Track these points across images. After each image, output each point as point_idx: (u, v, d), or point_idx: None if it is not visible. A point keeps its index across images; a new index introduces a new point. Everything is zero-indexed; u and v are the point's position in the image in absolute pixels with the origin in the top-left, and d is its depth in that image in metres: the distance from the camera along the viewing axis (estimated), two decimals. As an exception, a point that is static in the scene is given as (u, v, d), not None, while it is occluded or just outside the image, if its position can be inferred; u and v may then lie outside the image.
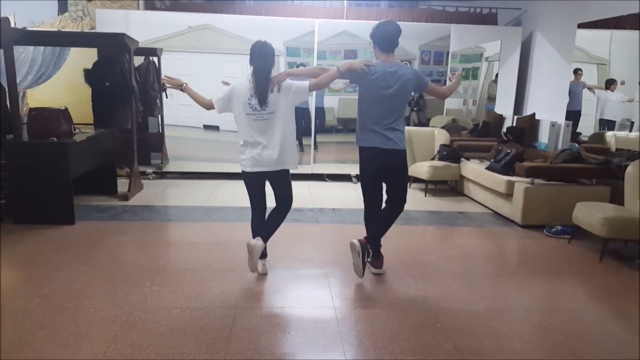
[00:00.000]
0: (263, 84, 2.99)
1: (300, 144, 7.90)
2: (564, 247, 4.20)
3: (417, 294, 3.16)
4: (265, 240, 3.25)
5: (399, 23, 3.18)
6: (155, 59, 6.38)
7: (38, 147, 4.24)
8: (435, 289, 3.24)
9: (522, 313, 2.93)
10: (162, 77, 3.32)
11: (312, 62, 6.59)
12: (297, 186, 6.20)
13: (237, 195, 5.55)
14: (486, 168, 5.33)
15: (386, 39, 3.09)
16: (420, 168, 5.89)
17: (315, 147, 7.41)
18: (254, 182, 3.25)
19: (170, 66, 6.48)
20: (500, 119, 6.81)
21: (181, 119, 6.79)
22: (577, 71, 5.56)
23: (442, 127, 6.78)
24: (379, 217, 3.38)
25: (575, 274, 3.61)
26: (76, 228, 4.25)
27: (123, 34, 5.08)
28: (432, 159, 6.14)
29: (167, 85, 3.29)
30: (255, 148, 3.09)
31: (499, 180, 4.95)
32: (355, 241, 3.20)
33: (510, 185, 4.80)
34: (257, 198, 3.34)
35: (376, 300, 3.05)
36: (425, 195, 5.90)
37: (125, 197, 5.24)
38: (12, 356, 2.30)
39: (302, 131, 7.48)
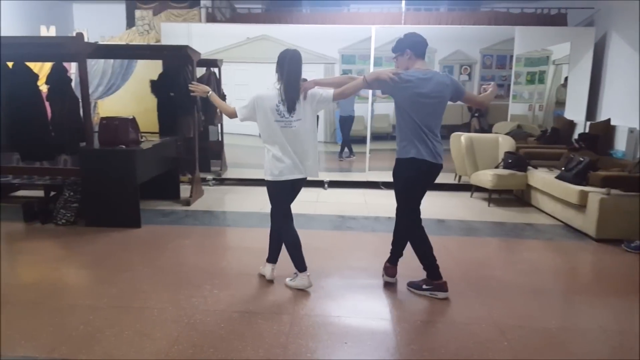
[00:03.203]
0: (293, 91, 2.96)
1: (350, 149, 8.02)
2: (646, 263, 3.85)
3: (481, 309, 2.99)
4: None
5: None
6: (216, 70, 6.59)
7: (108, 154, 4.48)
8: (501, 304, 3.06)
9: (598, 333, 2.70)
10: (190, 85, 3.35)
11: (368, 69, 6.54)
12: (351, 194, 6.21)
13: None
14: (556, 177, 5.02)
15: (420, 43, 2.99)
16: (483, 176, 5.64)
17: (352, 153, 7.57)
18: (286, 191, 3.15)
19: (229, 76, 6.67)
20: (571, 125, 6.41)
21: (239, 127, 6.95)
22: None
23: (507, 134, 6.48)
24: (422, 238, 3.19)
25: (659, 294, 3.29)
26: (142, 231, 4.44)
27: (187, 46, 5.27)
28: (496, 167, 5.86)
29: (194, 92, 3.29)
30: (289, 155, 3.02)
31: (571, 190, 4.63)
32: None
33: (584, 195, 4.48)
34: (289, 207, 3.25)
35: (437, 314, 2.92)
36: (489, 205, 5.64)
37: (187, 203, 5.41)
38: (83, 352, 2.41)
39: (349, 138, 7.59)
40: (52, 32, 7.17)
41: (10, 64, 4.88)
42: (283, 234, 3.25)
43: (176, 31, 6.59)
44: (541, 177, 5.32)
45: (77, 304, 2.95)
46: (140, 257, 3.78)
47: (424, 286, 3.18)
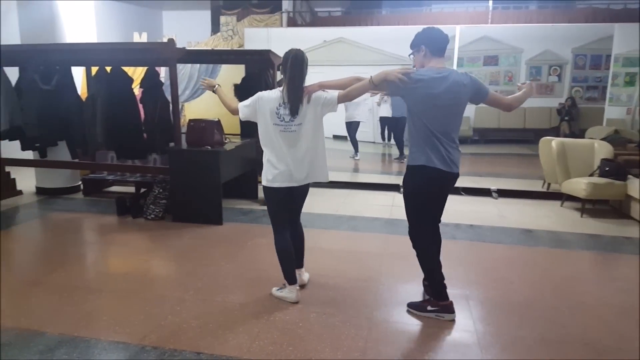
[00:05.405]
0: (296, 93, 2.80)
1: (401, 151, 8.04)
2: None
3: (574, 327, 2.76)
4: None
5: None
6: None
7: (195, 154, 4.70)
8: (597, 324, 2.80)
9: None
10: (201, 79, 3.33)
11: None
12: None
13: (367, 205, 5.54)
14: (661, 187, 4.53)
15: (438, 39, 2.71)
16: (576, 185, 5.22)
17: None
18: (282, 197, 2.99)
19: (306, 80, 6.76)
20: (679, 130, 5.77)
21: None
22: None
23: (602, 139, 5.97)
24: (433, 257, 2.92)
25: None
26: (223, 228, 4.60)
27: (269, 51, 5.41)
28: (591, 174, 5.41)
29: (203, 85, 3.27)
30: (285, 162, 2.88)
31: (680, 203, 4.16)
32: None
33: (696, 208, 3.99)
34: (284, 214, 3.09)
35: (525, 329, 2.74)
36: (582, 216, 5.20)
37: (264, 202, 5.52)
38: (171, 342, 2.53)
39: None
40: (144, 38, 7.71)
41: (108, 69, 5.28)
42: (276, 241, 3.09)
43: (257, 36, 6.81)
44: (644, 188, 4.83)
45: (165, 294, 3.11)
46: (222, 253, 3.92)
47: (429, 307, 2.89)
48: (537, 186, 6.21)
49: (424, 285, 3.14)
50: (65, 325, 2.69)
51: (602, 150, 5.54)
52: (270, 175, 2.91)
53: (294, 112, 2.82)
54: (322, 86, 2.90)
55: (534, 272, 3.61)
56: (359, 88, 2.79)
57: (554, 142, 5.66)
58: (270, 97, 2.87)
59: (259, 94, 2.92)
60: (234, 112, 3.01)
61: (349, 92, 2.82)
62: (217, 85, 3.16)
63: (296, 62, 2.81)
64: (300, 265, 3.28)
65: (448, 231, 4.63)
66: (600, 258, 4.04)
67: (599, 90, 7.71)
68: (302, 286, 3.21)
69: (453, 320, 2.82)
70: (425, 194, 2.76)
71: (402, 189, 2.90)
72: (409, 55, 2.85)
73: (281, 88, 2.86)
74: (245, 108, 2.93)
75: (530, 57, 7.43)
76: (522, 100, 2.85)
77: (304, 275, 3.28)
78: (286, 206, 3.07)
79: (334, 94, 2.88)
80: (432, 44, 2.71)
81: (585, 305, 3.05)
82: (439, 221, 2.94)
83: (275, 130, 2.86)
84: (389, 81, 2.66)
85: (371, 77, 2.71)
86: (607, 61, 6.58)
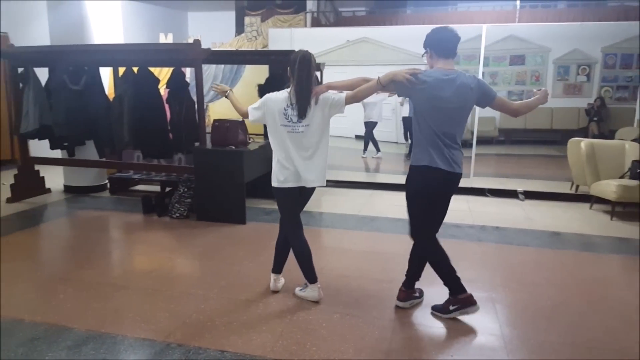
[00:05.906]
0: (304, 94, 2.79)
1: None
2: None
3: (605, 333, 2.68)
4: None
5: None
6: (318, 74, 6.70)
7: (219, 154, 4.74)
8: (626, 328, 2.73)
9: None
10: (211, 84, 3.31)
11: (475, 69, 6.25)
12: (453, 200, 5.91)
13: (389, 206, 5.50)
14: (697, 190, 4.37)
15: (444, 39, 2.67)
16: (606, 187, 5.08)
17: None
18: (293, 198, 2.99)
19: (329, 79, 6.76)
20: None
21: (334, 129, 6.85)
22: None
23: (633, 140, 5.79)
24: (441, 256, 2.87)
25: None
26: (247, 228, 4.64)
27: (293, 51, 5.41)
28: (622, 176, 5.26)
29: (215, 91, 3.27)
30: (294, 163, 2.87)
31: None
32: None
33: None
34: (295, 215, 3.08)
35: (554, 334, 2.67)
36: (612, 219, 5.07)
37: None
38: (196, 339, 2.56)
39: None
40: (169, 39, 7.82)
41: (135, 69, 5.38)
42: (292, 243, 3.09)
43: (282, 36, 6.84)
44: (678, 190, 4.67)
45: (189, 292, 3.15)
46: (246, 252, 3.95)
47: (451, 307, 2.84)
48: (565, 188, 6.07)
49: (400, 291, 3.04)
50: (93, 322, 2.75)
51: (633, 151, 5.38)
52: (282, 176, 2.91)
53: (302, 113, 2.82)
54: (330, 87, 2.91)
55: (561, 276, 3.53)
56: (367, 89, 2.78)
57: (583, 143, 5.53)
58: (278, 98, 2.86)
59: (267, 95, 2.92)
60: (245, 115, 3.02)
61: (357, 93, 2.82)
62: (229, 91, 3.18)
63: (304, 63, 2.78)
64: (279, 270, 3.23)
65: (473, 233, 4.57)
66: (630, 262, 3.91)
67: (629, 90, 7.47)
68: (275, 292, 3.17)
69: (477, 319, 2.79)
70: (429, 194, 2.75)
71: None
72: (422, 56, 2.83)
73: (289, 89, 2.85)
74: (254, 110, 2.94)
75: (558, 56, 7.25)
76: (533, 106, 2.80)
77: (279, 281, 3.22)
78: (296, 206, 3.06)
79: (342, 95, 2.86)
80: (437, 45, 2.69)
81: (614, 309, 2.97)
82: (440, 224, 2.90)
83: (283, 131, 2.86)
84: (397, 82, 2.65)
85: (379, 77, 2.70)
86: (638, 60, 6.37)
